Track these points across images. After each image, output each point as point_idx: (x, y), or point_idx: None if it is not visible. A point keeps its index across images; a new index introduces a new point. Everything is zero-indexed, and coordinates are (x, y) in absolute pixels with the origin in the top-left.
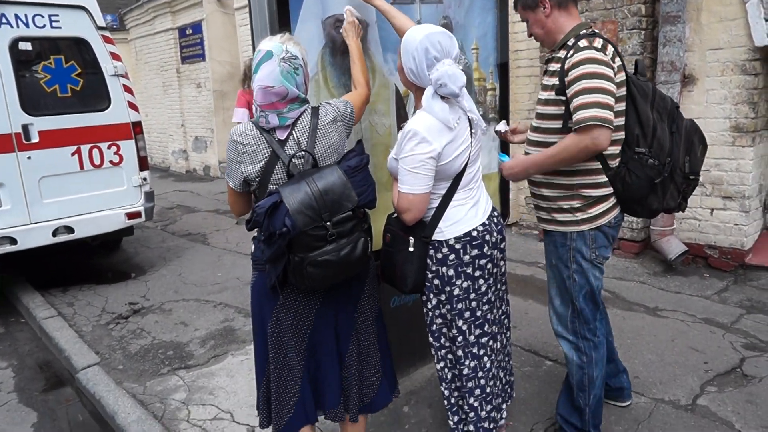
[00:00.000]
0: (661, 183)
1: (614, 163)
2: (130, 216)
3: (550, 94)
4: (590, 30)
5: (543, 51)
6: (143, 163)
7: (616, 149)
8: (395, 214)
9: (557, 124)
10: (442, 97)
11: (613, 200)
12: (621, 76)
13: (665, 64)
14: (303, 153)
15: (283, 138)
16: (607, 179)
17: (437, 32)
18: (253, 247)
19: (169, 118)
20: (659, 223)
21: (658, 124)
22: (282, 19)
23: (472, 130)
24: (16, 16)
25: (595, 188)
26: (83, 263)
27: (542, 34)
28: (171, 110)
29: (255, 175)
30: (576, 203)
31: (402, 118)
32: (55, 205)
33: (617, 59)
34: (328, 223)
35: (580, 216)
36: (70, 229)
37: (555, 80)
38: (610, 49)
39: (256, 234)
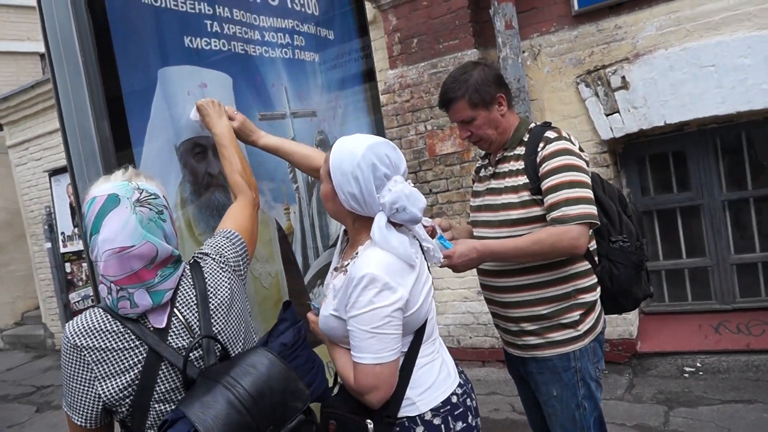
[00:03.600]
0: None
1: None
2: None
3: (525, 195)
4: (543, 122)
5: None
6: None
7: (593, 244)
8: (335, 391)
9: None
10: (394, 226)
11: (599, 303)
12: (586, 157)
13: None
14: (201, 341)
15: (163, 325)
16: (596, 279)
17: (380, 143)
18: None
19: None
20: None
21: (620, 212)
22: (118, 142)
23: (428, 264)
24: None
25: (589, 292)
26: None
27: (494, 134)
28: None
29: (122, 394)
30: (576, 314)
31: (291, 262)
32: None
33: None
34: None
35: (582, 328)
36: None
37: (523, 179)
38: (573, 137)
39: None
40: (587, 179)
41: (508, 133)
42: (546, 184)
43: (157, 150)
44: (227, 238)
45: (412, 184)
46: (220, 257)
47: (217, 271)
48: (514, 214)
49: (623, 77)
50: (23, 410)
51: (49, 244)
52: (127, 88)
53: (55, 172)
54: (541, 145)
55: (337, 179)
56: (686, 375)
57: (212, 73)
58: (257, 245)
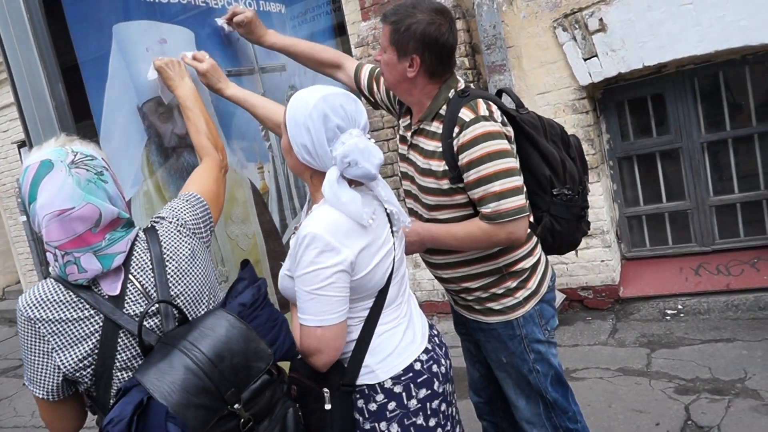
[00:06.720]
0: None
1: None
2: None
3: (444, 183)
4: (460, 90)
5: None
6: None
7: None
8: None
9: (468, 211)
10: (350, 183)
11: (544, 259)
12: (509, 131)
13: None
14: (157, 306)
15: (117, 292)
16: (534, 243)
17: (337, 93)
18: None
19: None
20: None
21: (564, 157)
22: (77, 112)
23: (393, 228)
24: None
25: (524, 260)
26: None
27: (393, 83)
28: None
29: (82, 365)
30: (511, 283)
31: (266, 222)
32: None
33: (501, 115)
34: (238, 406)
35: (521, 295)
36: None
37: (442, 165)
38: (494, 108)
39: None
40: (513, 163)
41: (421, 102)
42: (469, 176)
43: (118, 112)
44: (186, 200)
45: (372, 139)
46: (177, 220)
47: (174, 234)
48: (432, 200)
49: (600, 19)
50: (11, 384)
51: (24, 218)
52: (80, 47)
53: (23, 144)
54: (456, 130)
55: (291, 130)
56: (668, 317)
57: (172, 27)
58: (232, 207)
